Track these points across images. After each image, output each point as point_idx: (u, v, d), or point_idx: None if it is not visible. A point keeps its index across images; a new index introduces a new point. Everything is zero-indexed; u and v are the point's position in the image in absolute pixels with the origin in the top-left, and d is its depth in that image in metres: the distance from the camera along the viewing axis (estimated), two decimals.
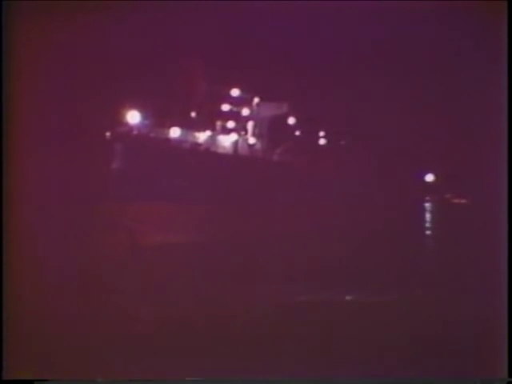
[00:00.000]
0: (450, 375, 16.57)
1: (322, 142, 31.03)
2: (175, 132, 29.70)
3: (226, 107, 30.78)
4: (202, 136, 30.46)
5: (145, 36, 26.76)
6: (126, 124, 28.80)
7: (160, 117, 30.35)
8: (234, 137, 30.52)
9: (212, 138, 30.56)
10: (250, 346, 18.74)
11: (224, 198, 27.21)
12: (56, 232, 23.86)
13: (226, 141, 30.79)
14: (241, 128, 31.15)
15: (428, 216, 30.31)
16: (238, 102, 30.98)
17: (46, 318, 19.96)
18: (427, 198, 31.58)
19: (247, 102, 30.91)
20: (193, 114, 30.10)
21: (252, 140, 30.91)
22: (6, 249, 17.85)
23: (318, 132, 31.18)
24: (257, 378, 16.84)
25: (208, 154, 30.31)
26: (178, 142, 29.86)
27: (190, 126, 30.20)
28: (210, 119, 30.83)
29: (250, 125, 30.97)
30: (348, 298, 21.40)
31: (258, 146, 30.99)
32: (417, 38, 27.51)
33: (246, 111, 30.87)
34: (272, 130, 31.24)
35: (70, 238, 24.26)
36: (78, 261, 23.68)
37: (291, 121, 30.96)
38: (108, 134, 27.85)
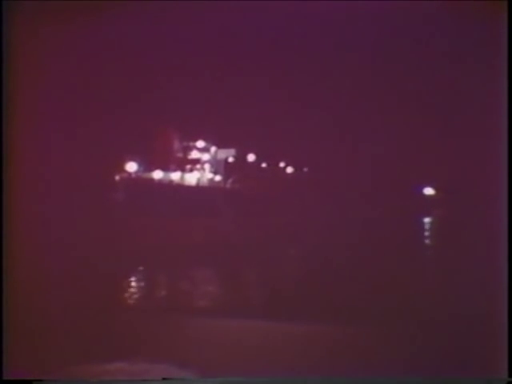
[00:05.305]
0: (450, 375, 16.59)
1: None
2: None
3: None
4: None
5: (144, 35, 26.81)
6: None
7: None
8: None
9: None
10: None
11: None
12: (55, 235, 23.89)
13: None
14: None
15: (428, 218, 30.37)
16: None
17: (46, 318, 19.95)
18: (428, 200, 31.68)
19: None
20: None
21: None
22: (6, 251, 17.87)
23: None
24: (257, 378, 16.84)
25: None
26: None
27: None
28: None
29: None
30: None
31: None
32: (416, 38, 27.53)
33: None
34: None
35: (69, 240, 24.29)
36: (77, 261, 23.70)
37: None
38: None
